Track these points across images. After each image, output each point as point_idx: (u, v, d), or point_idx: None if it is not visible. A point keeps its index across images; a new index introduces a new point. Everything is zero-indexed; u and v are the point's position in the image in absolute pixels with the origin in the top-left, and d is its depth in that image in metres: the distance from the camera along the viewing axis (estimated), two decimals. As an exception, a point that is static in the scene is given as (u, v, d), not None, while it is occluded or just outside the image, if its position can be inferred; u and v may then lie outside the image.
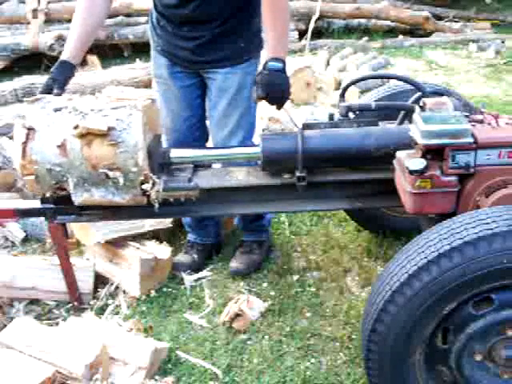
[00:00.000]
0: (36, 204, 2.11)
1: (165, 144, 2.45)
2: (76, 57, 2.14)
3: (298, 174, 2.01)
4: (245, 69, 2.27)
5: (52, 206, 2.07)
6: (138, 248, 2.43)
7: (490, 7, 9.74)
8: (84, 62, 6.26)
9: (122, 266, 2.43)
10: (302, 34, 7.30)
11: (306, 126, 2.11)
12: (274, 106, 2.04)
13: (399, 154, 1.84)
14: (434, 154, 1.72)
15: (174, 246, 2.68)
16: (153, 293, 2.42)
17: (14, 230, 2.88)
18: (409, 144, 1.81)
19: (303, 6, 7.63)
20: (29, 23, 6.47)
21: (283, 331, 2.21)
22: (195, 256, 2.63)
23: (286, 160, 2.01)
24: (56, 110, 1.88)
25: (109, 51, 6.99)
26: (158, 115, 2.09)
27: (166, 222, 2.63)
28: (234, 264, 2.58)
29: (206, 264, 2.65)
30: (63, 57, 2.13)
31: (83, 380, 1.75)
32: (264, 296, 2.41)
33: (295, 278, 2.54)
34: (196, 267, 2.60)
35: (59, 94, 2.03)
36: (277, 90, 1.99)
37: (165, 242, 2.54)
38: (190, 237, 2.70)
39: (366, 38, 7.54)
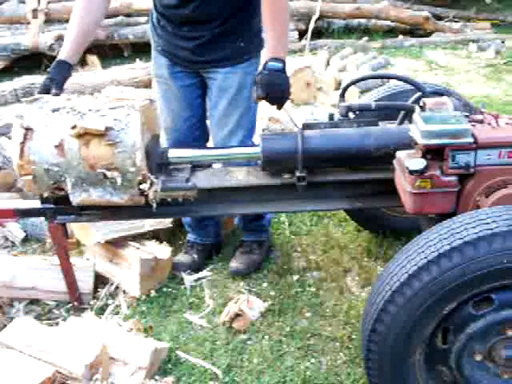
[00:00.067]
0: (36, 204, 2.11)
1: (165, 144, 2.46)
2: (73, 56, 2.14)
3: (298, 174, 2.01)
4: (245, 68, 2.28)
5: (52, 206, 2.07)
6: (138, 248, 2.43)
7: (490, 7, 9.74)
8: (84, 62, 6.27)
9: (122, 266, 2.43)
10: (301, 34, 7.30)
11: (306, 126, 2.10)
12: (274, 106, 2.04)
13: (399, 154, 1.84)
14: (434, 153, 1.72)
15: (173, 246, 2.68)
16: (153, 293, 2.42)
17: (14, 229, 2.88)
18: (409, 144, 1.81)
19: (303, 6, 7.63)
20: (29, 23, 6.47)
21: (283, 331, 2.21)
22: (195, 256, 2.63)
23: (286, 160, 2.01)
24: (54, 110, 1.88)
25: (109, 51, 6.99)
26: (156, 115, 2.09)
27: (166, 222, 2.63)
28: (234, 264, 2.58)
29: (206, 264, 2.65)
30: (60, 56, 2.12)
31: (83, 380, 1.75)
32: (264, 296, 2.41)
33: (295, 278, 2.54)
34: (196, 267, 2.60)
35: (57, 94, 2.03)
36: (277, 90, 1.99)
37: (165, 242, 2.54)
38: (190, 237, 2.70)
39: (365, 38, 7.54)
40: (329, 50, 6.81)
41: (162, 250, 2.46)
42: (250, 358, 2.08)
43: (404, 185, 1.76)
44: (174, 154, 2.09)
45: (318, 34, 7.68)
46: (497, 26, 8.72)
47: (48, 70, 2.12)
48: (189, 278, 2.53)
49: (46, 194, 1.98)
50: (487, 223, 1.45)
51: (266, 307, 2.32)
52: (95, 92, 4.48)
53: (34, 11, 6.43)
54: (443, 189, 1.72)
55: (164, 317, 2.31)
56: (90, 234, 2.49)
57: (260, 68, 2.07)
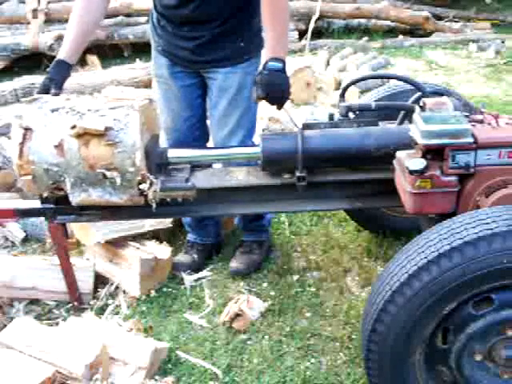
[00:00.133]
0: (36, 204, 2.11)
1: (165, 144, 2.45)
2: (73, 56, 2.14)
3: (298, 174, 2.01)
4: (245, 68, 2.28)
5: (52, 206, 2.07)
6: (138, 248, 2.43)
7: (490, 7, 9.74)
8: (84, 62, 6.27)
9: (122, 266, 2.43)
10: (301, 34, 7.30)
11: (306, 126, 2.10)
12: (274, 106, 2.04)
13: (399, 154, 1.84)
14: (434, 153, 1.72)
15: (173, 246, 2.68)
16: (153, 293, 2.42)
17: (14, 229, 2.88)
18: (409, 144, 1.81)
19: (303, 6, 7.63)
20: (29, 23, 6.47)
21: (283, 331, 2.21)
22: (195, 256, 2.63)
23: (286, 160, 2.01)
24: (53, 110, 1.88)
25: (109, 51, 6.99)
26: (156, 115, 2.09)
27: (166, 222, 2.63)
28: (234, 264, 2.58)
29: (206, 264, 2.65)
30: (60, 56, 2.13)
31: (83, 380, 1.75)
32: (264, 296, 2.41)
33: (295, 277, 2.54)
34: (196, 267, 2.60)
35: (57, 94, 2.03)
36: (277, 90, 1.99)
37: (165, 242, 2.54)
38: (190, 237, 2.70)
39: (365, 38, 7.54)
40: (329, 50, 6.81)
41: (162, 250, 2.46)
42: (250, 358, 2.08)
43: (404, 185, 1.76)
44: (174, 154, 2.09)
45: (318, 34, 7.68)
46: (497, 26, 8.71)
47: (47, 69, 2.12)
48: (189, 278, 2.53)
49: (45, 194, 1.98)
50: (487, 223, 1.45)
51: (266, 307, 2.32)
52: (95, 92, 4.49)
53: (34, 11, 6.43)
54: (443, 189, 1.72)
55: (164, 317, 2.31)
56: (90, 233, 2.49)
57: (260, 68, 2.07)
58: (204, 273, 2.58)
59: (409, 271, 1.48)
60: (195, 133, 2.45)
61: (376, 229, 2.79)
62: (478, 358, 1.55)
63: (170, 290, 2.47)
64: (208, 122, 2.48)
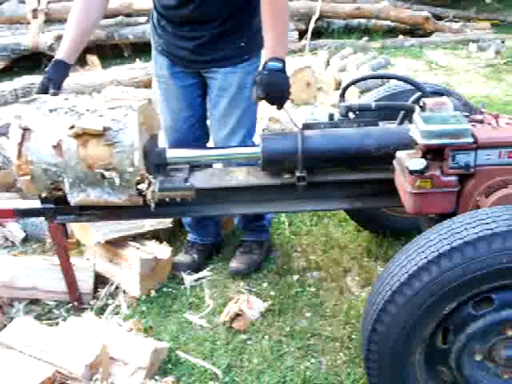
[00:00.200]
0: (36, 204, 2.10)
1: (166, 144, 2.45)
2: (71, 56, 2.14)
3: (298, 173, 2.01)
4: (245, 68, 2.28)
5: (52, 206, 2.07)
6: (138, 248, 2.43)
7: (490, 7, 9.74)
8: (84, 62, 6.27)
9: (122, 266, 2.43)
10: (301, 34, 7.30)
11: (306, 126, 2.10)
12: (274, 106, 2.04)
13: (399, 154, 1.84)
14: (434, 154, 1.72)
15: (173, 246, 2.68)
16: (153, 293, 2.42)
17: (14, 229, 2.88)
18: (409, 144, 1.81)
19: (303, 6, 7.63)
20: (29, 23, 6.47)
21: (283, 331, 2.21)
22: (195, 256, 2.63)
23: (286, 160, 2.01)
24: (52, 111, 1.88)
25: (109, 51, 6.99)
26: (155, 115, 2.09)
27: (166, 222, 2.63)
28: (234, 264, 2.58)
29: (206, 264, 2.65)
30: (58, 56, 2.12)
31: (83, 380, 1.75)
32: (264, 296, 2.41)
33: (295, 278, 2.54)
34: (196, 267, 2.60)
35: (56, 94, 2.03)
36: (277, 90, 1.99)
37: (165, 242, 2.54)
38: (190, 237, 2.70)
39: (366, 38, 7.54)
40: (329, 50, 6.81)
41: (162, 250, 2.46)
42: (250, 358, 2.08)
43: (404, 185, 1.76)
44: (173, 154, 2.09)
45: (317, 34, 7.68)
46: (497, 26, 8.71)
47: (46, 69, 2.12)
48: (189, 278, 2.53)
49: (44, 194, 1.98)
50: (487, 223, 1.45)
51: (266, 307, 2.32)
52: (95, 92, 4.49)
53: (34, 11, 6.43)
54: (443, 189, 1.72)
55: (164, 317, 2.31)
56: (90, 233, 2.49)
57: (260, 68, 2.07)
58: (204, 273, 2.58)
59: (409, 271, 1.48)
60: (195, 133, 2.45)
61: (376, 229, 2.79)
62: (478, 358, 1.55)
63: (169, 289, 2.47)
64: (208, 121, 2.48)
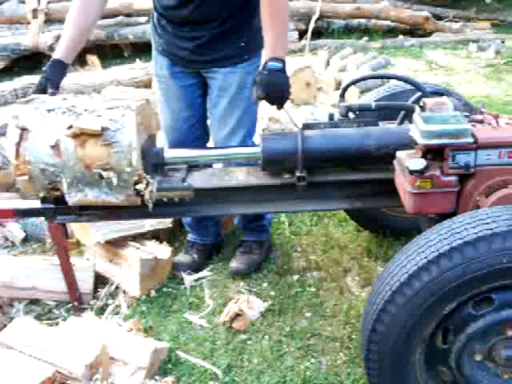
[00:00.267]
0: (36, 204, 2.10)
1: (165, 144, 2.45)
2: (69, 56, 2.14)
3: (298, 173, 2.00)
4: (245, 68, 2.28)
5: (52, 206, 2.07)
6: (138, 248, 2.43)
7: (490, 7, 9.74)
8: (84, 62, 6.27)
9: (122, 266, 2.43)
10: (301, 34, 7.30)
11: (306, 126, 2.10)
12: (274, 106, 2.04)
13: (399, 153, 1.84)
14: (434, 154, 1.72)
15: (173, 246, 2.69)
16: (153, 293, 2.42)
17: (14, 229, 2.88)
18: (409, 144, 1.81)
19: (303, 6, 7.63)
20: (29, 23, 6.48)
21: (283, 331, 2.21)
22: (195, 256, 2.63)
23: (286, 160, 2.01)
24: (50, 110, 1.88)
25: (109, 51, 6.99)
26: (153, 115, 2.09)
27: (166, 222, 2.63)
28: (234, 264, 2.58)
29: (206, 264, 2.65)
30: (56, 56, 2.13)
31: (83, 380, 1.75)
32: (264, 296, 2.41)
33: (295, 278, 2.54)
34: (196, 267, 2.60)
35: (54, 94, 2.03)
36: (277, 90, 1.99)
37: (165, 242, 2.54)
38: (190, 237, 2.70)
39: (366, 38, 7.54)
40: (329, 50, 6.81)
41: (162, 250, 2.46)
42: (250, 358, 2.08)
43: (404, 185, 1.76)
44: (171, 154, 2.09)
45: (318, 34, 7.68)
46: (497, 26, 8.72)
47: (44, 69, 2.12)
48: (189, 278, 2.53)
49: (42, 194, 1.98)
50: (487, 223, 1.45)
51: (266, 307, 2.32)
52: (95, 92, 4.49)
53: (34, 11, 6.43)
54: (443, 189, 1.72)
55: (164, 317, 2.31)
56: (90, 233, 2.49)
57: (260, 68, 2.07)
58: (204, 273, 2.58)
59: (409, 271, 1.48)
60: (195, 133, 2.45)
61: (376, 229, 2.79)
62: (478, 357, 1.55)
63: (169, 289, 2.47)
64: (208, 121, 2.48)
